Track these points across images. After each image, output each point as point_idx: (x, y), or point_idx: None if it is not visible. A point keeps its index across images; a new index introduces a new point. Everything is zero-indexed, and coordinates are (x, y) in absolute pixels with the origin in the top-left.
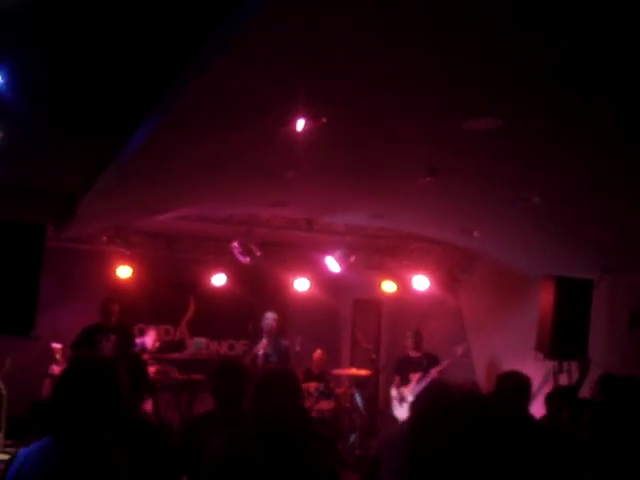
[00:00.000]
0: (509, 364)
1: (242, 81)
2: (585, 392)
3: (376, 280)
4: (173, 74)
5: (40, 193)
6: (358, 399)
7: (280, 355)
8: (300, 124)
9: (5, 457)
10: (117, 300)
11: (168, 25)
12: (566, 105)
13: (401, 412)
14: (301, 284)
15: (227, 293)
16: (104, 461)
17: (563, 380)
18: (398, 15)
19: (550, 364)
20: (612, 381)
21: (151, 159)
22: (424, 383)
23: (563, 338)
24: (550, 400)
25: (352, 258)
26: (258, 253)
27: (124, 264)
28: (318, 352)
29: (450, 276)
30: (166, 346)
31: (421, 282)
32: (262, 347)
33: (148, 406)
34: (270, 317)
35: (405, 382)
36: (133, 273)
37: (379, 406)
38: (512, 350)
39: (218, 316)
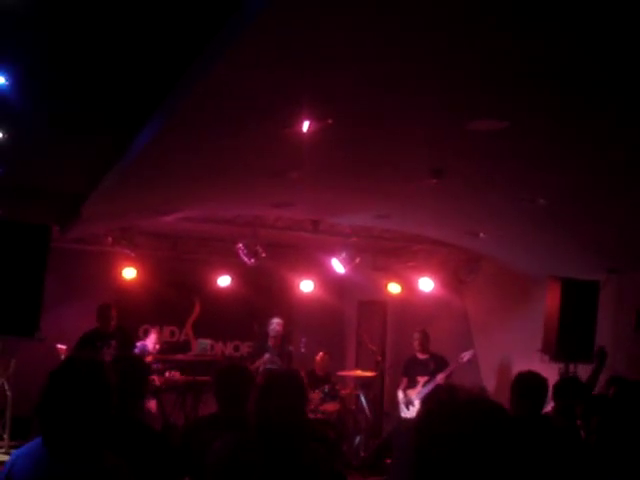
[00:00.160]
0: (515, 366)
1: (245, 83)
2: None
3: (381, 281)
4: (177, 76)
5: (45, 194)
6: (363, 401)
7: (285, 361)
8: (305, 125)
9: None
10: (115, 304)
11: (172, 27)
12: (571, 106)
13: (408, 415)
14: (306, 285)
15: (232, 294)
16: (93, 462)
17: None
18: (400, 15)
19: (556, 366)
20: (621, 384)
21: (155, 161)
22: (430, 387)
23: (569, 340)
24: (561, 393)
25: (357, 259)
26: (263, 254)
27: (129, 265)
28: (321, 354)
29: (455, 277)
30: (170, 347)
31: (426, 283)
32: (263, 363)
33: (153, 407)
34: (276, 322)
35: (412, 384)
36: (138, 274)
37: (384, 408)
38: (518, 352)
39: (223, 317)
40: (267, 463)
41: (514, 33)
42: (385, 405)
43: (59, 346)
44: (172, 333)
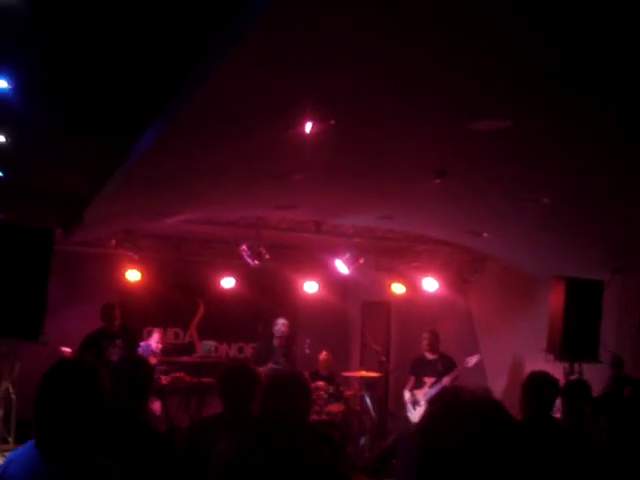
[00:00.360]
0: (519, 365)
1: (247, 85)
2: (595, 391)
3: (385, 282)
4: (179, 80)
5: (48, 197)
6: (368, 401)
7: (290, 362)
8: (307, 127)
9: None
10: (118, 304)
11: (174, 30)
12: (572, 105)
13: (415, 415)
14: (310, 286)
15: (236, 296)
16: (84, 464)
17: None
18: (400, 15)
19: (561, 365)
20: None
21: (158, 164)
22: (437, 389)
23: (574, 339)
24: (568, 396)
25: (361, 260)
26: (267, 256)
27: (133, 267)
28: (324, 353)
29: (459, 277)
30: (175, 349)
31: (430, 284)
32: (267, 370)
33: (157, 409)
34: (281, 323)
35: (419, 385)
36: (142, 276)
37: (389, 408)
38: (522, 351)
39: (227, 319)
40: (268, 464)
41: (514, 33)
42: (390, 405)
43: (63, 349)
44: (176, 335)
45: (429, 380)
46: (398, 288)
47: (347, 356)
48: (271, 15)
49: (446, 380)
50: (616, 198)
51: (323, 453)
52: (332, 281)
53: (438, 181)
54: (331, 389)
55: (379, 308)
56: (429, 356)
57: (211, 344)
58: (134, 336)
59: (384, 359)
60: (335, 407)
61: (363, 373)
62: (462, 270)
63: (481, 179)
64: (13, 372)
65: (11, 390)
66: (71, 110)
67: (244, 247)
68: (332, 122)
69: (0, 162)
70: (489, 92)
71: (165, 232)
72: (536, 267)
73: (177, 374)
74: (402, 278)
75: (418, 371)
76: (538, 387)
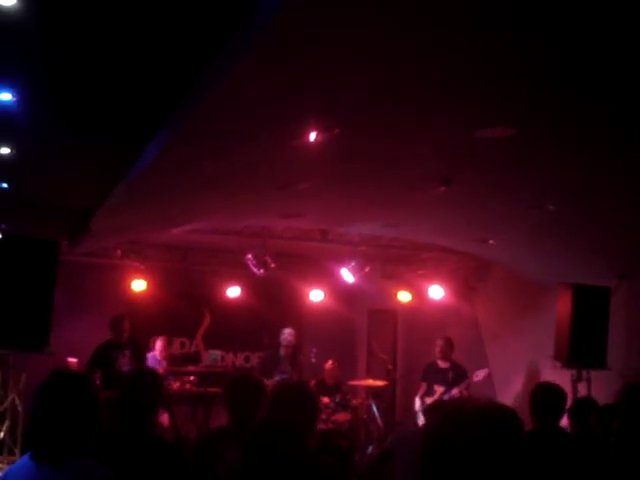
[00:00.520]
0: (527, 372)
1: (252, 95)
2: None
3: (391, 290)
4: (184, 91)
5: (54, 209)
6: (375, 410)
7: (297, 371)
8: (312, 136)
9: None
10: (127, 316)
11: (181, 39)
12: (577, 113)
13: None
14: (316, 295)
15: (242, 305)
16: (79, 472)
17: (582, 388)
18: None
19: (569, 372)
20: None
21: (163, 174)
22: (446, 399)
23: (581, 346)
24: (576, 415)
25: (367, 268)
26: (272, 265)
27: (139, 277)
28: (330, 362)
29: (465, 285)
30: (181, 359)
31: (436, 291)
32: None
33: (165, 420)
34: (288, 332)
35: (430, 393)
36: (148, 286)
37: (396, 417)
38: (529, 358)
39: (233, 328)
40: (273, 474)
41: (514, 33)
42: (397, 414)
43: (69, 360)
44: (182, 344)
45: (439, 389)
46: (404, 296)
47: (353, 365)
48: (278, 25)
49: (455, 391)
50: (620, 203)
51: (328, 462)
52: (338, 289)
53: (443, 189)
54: (338, 398)
55: (385, 316)
56: (441, 364)
57: (217, 353)
58: (142, 347)
59: (391, 367)
60: (342, 416)
61: (370, 382)
62: (468, 277)
63: (486, 186)
64: (19, 383)
65: (17, 401)
66: (76, 121)
67: (250, 256)
68: (337, 131)
69: (6, 174)
70: (492, 100)
71: (171, 242)
72: (542, 273)
73: (187, 378)
74: (408, 286)
75: (429, 378)
76: (545, 398)
